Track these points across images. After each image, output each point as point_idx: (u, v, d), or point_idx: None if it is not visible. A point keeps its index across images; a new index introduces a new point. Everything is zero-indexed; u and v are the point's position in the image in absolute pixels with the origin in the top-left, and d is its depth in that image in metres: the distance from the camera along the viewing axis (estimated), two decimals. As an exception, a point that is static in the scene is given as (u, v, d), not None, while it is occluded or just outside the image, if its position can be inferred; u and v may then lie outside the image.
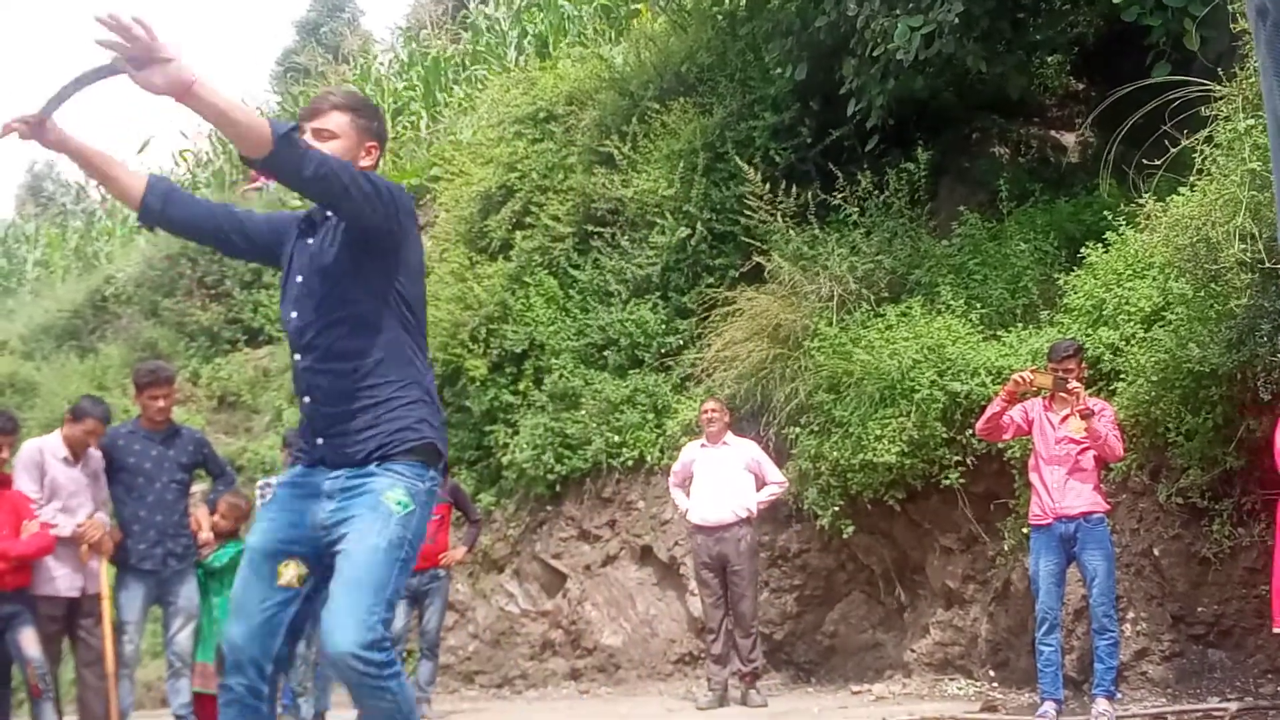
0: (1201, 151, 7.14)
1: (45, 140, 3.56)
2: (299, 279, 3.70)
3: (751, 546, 8.82)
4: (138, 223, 3.78)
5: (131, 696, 7.58)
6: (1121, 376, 7.73)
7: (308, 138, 3.57)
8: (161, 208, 3.73)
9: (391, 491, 3.50)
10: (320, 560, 3.54)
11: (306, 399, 3.64)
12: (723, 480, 8.82)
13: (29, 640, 6.92)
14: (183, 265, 17.31)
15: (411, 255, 3.74)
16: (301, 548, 3.55)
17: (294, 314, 3.69)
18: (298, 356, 3.66)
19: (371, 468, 3.53)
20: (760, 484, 8.91)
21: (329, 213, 3.68)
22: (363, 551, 3.42)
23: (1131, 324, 7.87)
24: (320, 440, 3.60)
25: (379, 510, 3.48)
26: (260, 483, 9.28)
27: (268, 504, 3.64)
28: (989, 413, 7.29)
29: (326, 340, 3.61)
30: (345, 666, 3.29)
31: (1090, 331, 8.03)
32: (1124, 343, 7.84)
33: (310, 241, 3.73)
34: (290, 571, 3.52)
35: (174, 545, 7.56)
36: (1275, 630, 6.40)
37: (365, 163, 3.72)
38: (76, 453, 7.47)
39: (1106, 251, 8.26)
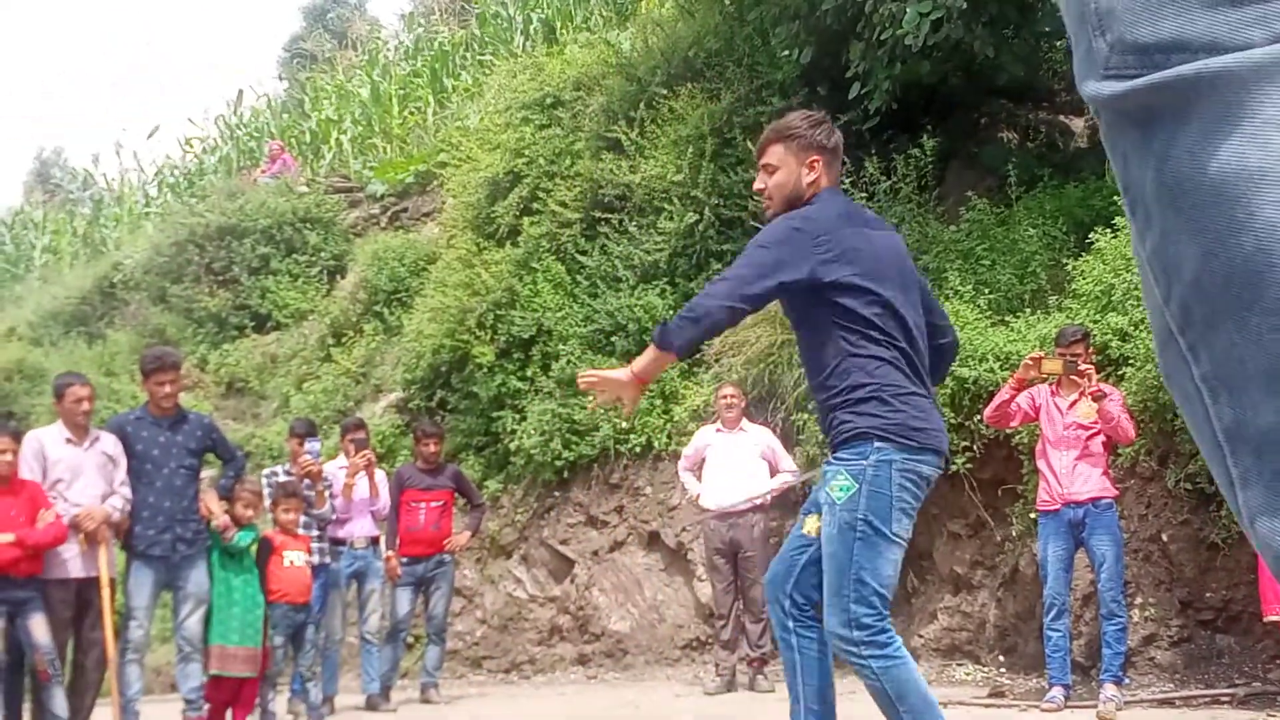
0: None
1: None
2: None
3: (765, 533, 8.83)
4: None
5: (140, 682, 7.61)
6: (1130, 362, 7.71)
7: (760, 177, 4.26)
8: None
9: (835, 479, 3.95)
10: None
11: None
12: (738, 466, 8.82)
13: (39, 626, 6.95)
14: (190, 252, 17.31)
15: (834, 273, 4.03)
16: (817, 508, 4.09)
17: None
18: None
19: (829, 457, 4.07)
20: (773, 471, 8.91)
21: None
22: (826, 541, 3.97)
23: (1140, 309, 7.84)
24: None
25: (827, 501, 3.97)
26: (266, 471, 9.29)
27: None
28: (997, 400, 7.28)
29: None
30: (835, 647, 3.95)
31: (1099, 317, 8.01)
32: (1132, 328, 7.82)
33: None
34: (811, 524, 4.11)
35: (183, 531, 7.58)
36: (1265, 619, 6.43)
37: (809, 177, 4.18)
38: (77, 431, 7.48)
39: (1115, 236, 8.24)
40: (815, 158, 4.15)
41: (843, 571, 3.82)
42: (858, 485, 3.86)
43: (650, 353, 3.94)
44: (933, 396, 4.11)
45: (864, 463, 3.86)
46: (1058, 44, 11.24)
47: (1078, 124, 11.53)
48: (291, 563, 8.07)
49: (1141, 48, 0.80)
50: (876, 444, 3.87)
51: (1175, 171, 0.78)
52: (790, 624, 4.12)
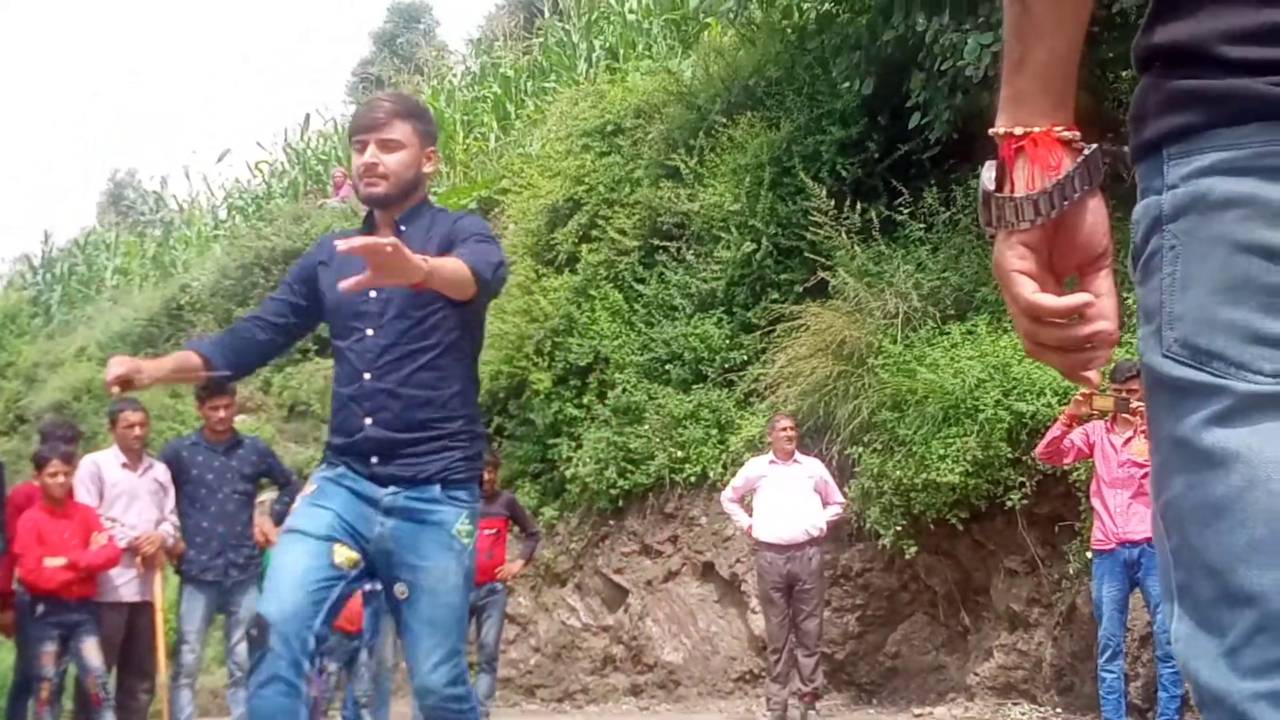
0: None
1: (137, 384, 3.56)
2: (373, 294, 3.61)
3: (820, 565, 8.77)
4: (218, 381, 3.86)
5: (192, 706, 7.66)
6: (1190, 399, 7.57)
7: (371, 150, 3.63)
8: (234, 362, 3.81)
9: (460, 524, 3.60)
10: (372, 564, 3.62)
11: (369, 420, 3.60)
12: (794, 498, 8.75)
13: (91, 649, 7.02)
14: (256, 274, 17.52)
15: None
16: (354, 541, 3.56)
17: (369, 331, 3.64)
18: (368, 376, 3.62)
19: (435, 491, 3.58)
20: (824, 503, 8.84)
21: (404, 226, 3.69)
22: (446, 591, 3.55)
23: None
24: (375, 460, 3.60)
25: (453, 547, 3.58)
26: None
27: (315, 494, 3.64)
28: (1049, 436, 7.19)
29: (409, 366, 3.61)
30: (435, 705, 3.54)
31: (1159, 352, 7.88)
32: (1193, 365, 7.68)
33: None
34: (343, 554, 3.52)
35: (236, 556, 7.63)
36: None
37: (427, 169, 3.78)
38: (131, 456, 7.58)
39: (1177, 271, 8.11)
40: (433, 150, 3.83)
41: (459, 624, 3.63)
42: (475, 531, 3.68)
43: (464, 272, 3.38)
44: None
45: (476, 505, 3.70)
46: (1123, 73, 11.11)
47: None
48: None
49: (1195, 349, 1.16)
50: (475, 490, 3.72)
51: (1184, 431, 1.16)
52: (306, 667, 3.44)
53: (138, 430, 7.64)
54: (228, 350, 3.77)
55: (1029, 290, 1.33)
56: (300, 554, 3.48)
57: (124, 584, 7.38)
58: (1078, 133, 1.33)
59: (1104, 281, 1.38)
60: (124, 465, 7.55)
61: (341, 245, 3.05)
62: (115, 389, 3.45)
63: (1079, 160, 1.32)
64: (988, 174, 1.36)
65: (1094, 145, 1.33)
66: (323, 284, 3.76)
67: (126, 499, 7.49)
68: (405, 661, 3.69)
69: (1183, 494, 1.17)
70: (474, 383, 3.81)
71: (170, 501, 7.63)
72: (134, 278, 24.84)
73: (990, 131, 1.37)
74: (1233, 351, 1.14)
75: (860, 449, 9.06)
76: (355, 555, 3.54)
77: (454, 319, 3.63)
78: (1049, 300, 1.33)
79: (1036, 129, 1.33)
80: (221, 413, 7.70)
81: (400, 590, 3.57)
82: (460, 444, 3.65)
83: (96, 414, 16.78)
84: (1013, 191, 1.34)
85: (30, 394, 19.95)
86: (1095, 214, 1.37)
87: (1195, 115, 1.19)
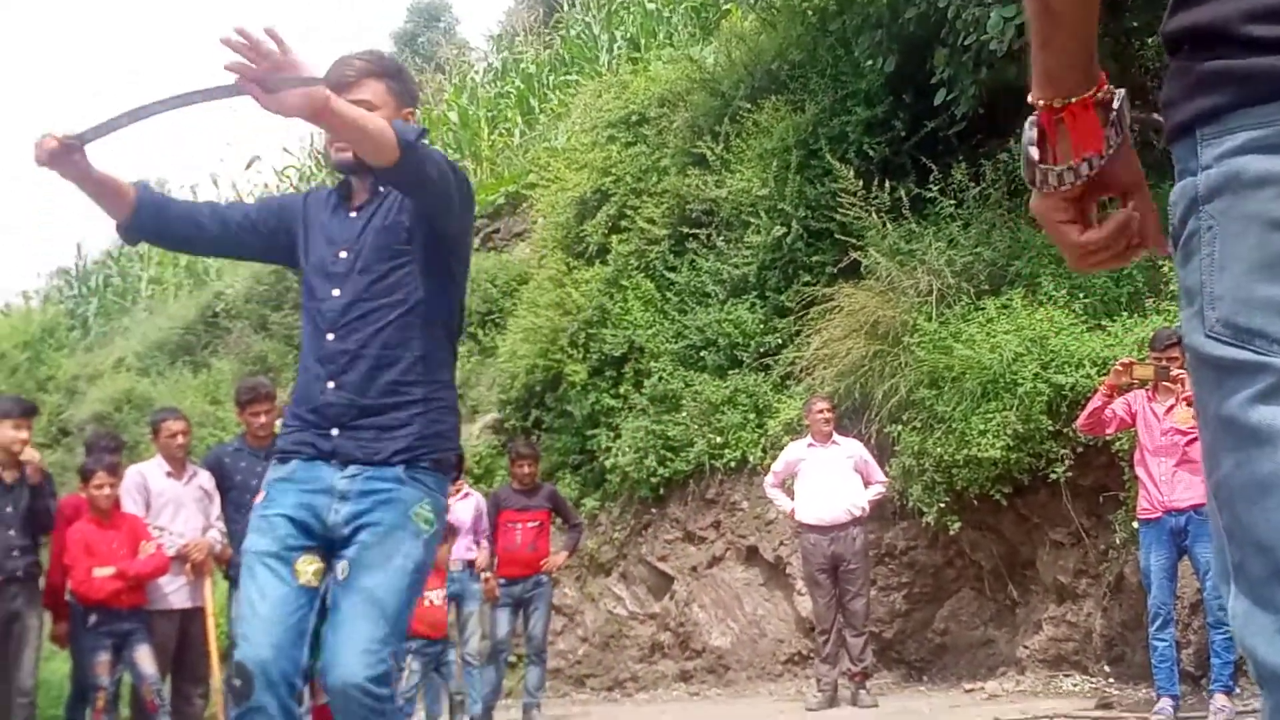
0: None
1: (67, 168, 3.15)
2: (343, 254, 3.41)
3: (865, 545, 8.78)
4: (120, 238, 3.51)
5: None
6: (1230, 364, 7.53)
7: None
8: (154, 228, 3.49)
9: (421, 507, 3.28)
10: (329, 559, 3.31)
11: (331, 384, 3.33)
12: (834, 479, 8.76)
13: (145, 657, 7.10)
14: (290, 279, 17.57)
15: (467, 249, 3.65)
16: (310, 539, 3.28)
17: (335, 291, 3.38)
18: (331, 337, 3.36)
19: (397, 471, 3.28)
20: (866, 483, 8.85)
21: (382, 187, 3.42)
22: (387, 572, 3.19)
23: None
24: (336, 431, 3.31)
25: (407, 527, 3.25)
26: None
27: (264, 503, 3.35)
28: (1090, 407, 7.16)
29: (372, 325, 3.34)
30: (350, 697, 3.12)
31: (1197, 319, 7.84)
32: (1232, 329, 7.64)
33: (355, 215, 3.44)
34: (307, 570, 3.23)
35: (284, 560, 7.69)
36: None
37: None
38: (175, 465, 7.65)
39: (1212, 236, 8.06)
40: (411, 111, 3.49)
41: (399, 615, 3.20)
42: (438, 526, 3.33)
43: (383, 127, 3.03)
44: None
45: (440, 497, 3.35)
46: (1148, 40, 11.04)
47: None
48: (431, 602, 7.71)
49: (1236, 328, 1.17)
50: (442, 480, 3.38)
51: (1230, 410, 1.18)
52: (295, 710, 3.21)
53: (180, 439, 7.71)
54: (161, 212, 3.47)
55: (1076, 235, 1.44)
56: (266, 584, 3.20)
57: (174, 591, 7.46)
58: (1105, 86, 1.40)
59: (1142, 200, 1.47)
60: (168, 474, 7.62)
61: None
62: (52, 144, 3.07)
63: (1110, 118, 1.40)
64: (1029, 133, 1.44)
65: (1120, 92, 1.41)
66: (298, 240, 3.55)
67: (173, 507, 7.56)
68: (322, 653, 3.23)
69: (1231, 472, 1.18)
70: (447, 351, 3.49)
71: (216, 508, 7.69)
72: (168, 287, 24.96)
73: (1029, 99, 1.44)
74: (1273, 328, 1.15)
75: (899, 427, 9.05)
76: (320, 564, 3.26)
77: (420, 275, 3.36)
78: (1096, 235, 1.44)
79: (1073, 99, 1.39)
80: (262, 418, 7.75)
81: (341, 568, 3.22)
82: (424, 416, 3.33)
83: (137, 424, 16.90)
84: (1055, 162, 1.41)
85: (71, 406, 20.13)
86: (1125, 153, 1.44)
87: (1223, 95, 1.20)
